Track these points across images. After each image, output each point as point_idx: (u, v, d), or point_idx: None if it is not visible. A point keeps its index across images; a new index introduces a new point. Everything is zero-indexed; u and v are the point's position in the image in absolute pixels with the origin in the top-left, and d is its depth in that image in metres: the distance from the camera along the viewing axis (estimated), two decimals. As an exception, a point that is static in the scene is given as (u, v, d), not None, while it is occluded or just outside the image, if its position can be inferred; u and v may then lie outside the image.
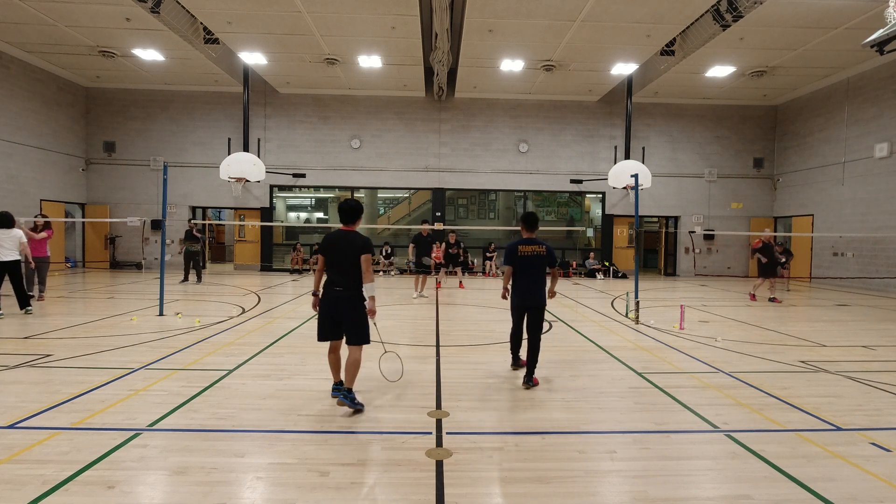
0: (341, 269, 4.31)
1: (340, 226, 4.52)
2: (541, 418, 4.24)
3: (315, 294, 4.45)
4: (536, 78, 16.31)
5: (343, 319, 4.30)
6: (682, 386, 5.14)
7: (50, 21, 12.67)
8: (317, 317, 4.44)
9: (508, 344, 5.77)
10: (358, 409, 4.25)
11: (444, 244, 15.70)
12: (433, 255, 12.27)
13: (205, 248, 17.92)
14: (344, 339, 4.37)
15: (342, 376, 4.43)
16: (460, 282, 14.76)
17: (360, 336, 4.31)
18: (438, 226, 17.01)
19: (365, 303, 4.33)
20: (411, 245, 12.40)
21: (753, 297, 12.14)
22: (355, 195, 19.28)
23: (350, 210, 4.46)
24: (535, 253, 5.24)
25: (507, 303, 5.54)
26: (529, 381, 5.04)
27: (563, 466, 3.37)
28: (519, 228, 5.65)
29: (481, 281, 16.30)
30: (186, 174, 18.21)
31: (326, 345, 4.49)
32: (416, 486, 3.07)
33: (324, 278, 4.47)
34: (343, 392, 4.25)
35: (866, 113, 15.10)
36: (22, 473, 3.12)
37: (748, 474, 3.29)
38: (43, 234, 10.27)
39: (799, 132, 17.87)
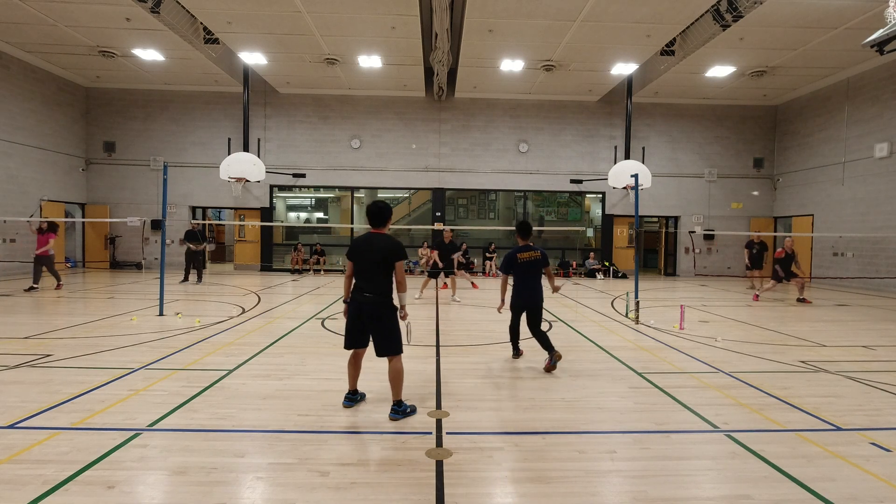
0: (371, 275, 4.15)
1: (369, 228, 4.35)
2: (541, 418, 4.24)
3: (346, 302, 4.27)
4: (536, 78, 16.31)
5: (372, 328, 4.17)
6: (682, 386, 5.14)
7: (50, 21, 12.67)
8: (345, 323, 4.30)
9: (509, 343, 6.29)
10: (410, 414, 4.19)
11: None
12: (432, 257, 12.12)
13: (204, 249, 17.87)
14: (374, 351, 4.22)
15: (357, 386, 4.37)
16: (472, 283, 14.32)
17: (392, 346, 4.18)
18: (438, 226, 16.97)
19: (399, 313, 4.23)
20: (435, 252, 11.52)
21: (757, 297, 12.15)
22: (355, 195, 19.30)
23: (378, 212, 4.28)
24: (533, 258, 5.79)
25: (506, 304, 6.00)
26: (552, 358, 5.51)
27: (564, 466, 3.37)
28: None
29: (481, 281, 16.28)
30: (186, 174, 18.21)
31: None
32: (416, 486, 3.07)
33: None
34: (392, 406, 4.17)
35: (866, 113, 15.09)
36: (22, 473, 3.12)
37: (748, 474, 3.29)
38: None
39: (799, 132, 17.87)
